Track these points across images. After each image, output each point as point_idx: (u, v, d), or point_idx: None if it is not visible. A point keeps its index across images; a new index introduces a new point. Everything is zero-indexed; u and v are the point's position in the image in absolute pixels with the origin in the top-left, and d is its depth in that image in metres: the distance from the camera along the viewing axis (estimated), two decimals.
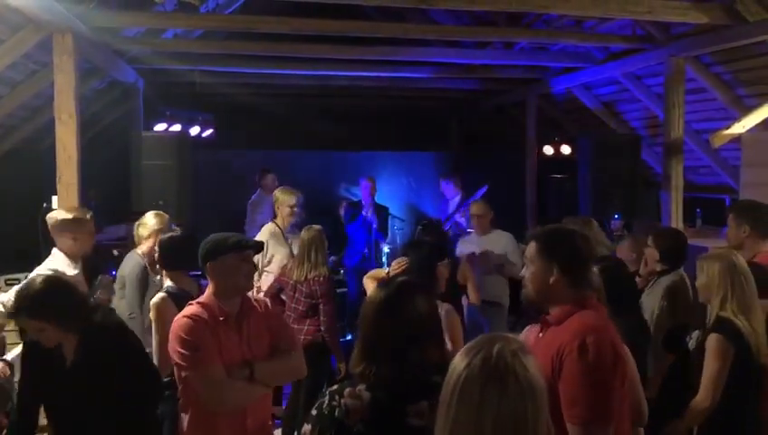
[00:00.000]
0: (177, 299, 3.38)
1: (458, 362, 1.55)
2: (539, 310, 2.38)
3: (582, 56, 7.54)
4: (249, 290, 2.95)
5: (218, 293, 2.76)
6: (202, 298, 2.82)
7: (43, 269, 3.69)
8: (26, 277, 5.35)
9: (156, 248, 3.69)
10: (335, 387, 2.02)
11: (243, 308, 2.80)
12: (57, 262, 3.73)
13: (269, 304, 3.01)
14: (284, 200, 5.44)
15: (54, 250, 3.81)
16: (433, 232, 5.29)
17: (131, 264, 4.25)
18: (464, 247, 5.73)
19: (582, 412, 2.06)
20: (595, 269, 2.55)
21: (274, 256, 5.35)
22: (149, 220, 4.38)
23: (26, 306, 2.66)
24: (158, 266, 3.73)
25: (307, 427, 1.99)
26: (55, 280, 2.83)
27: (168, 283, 3.74)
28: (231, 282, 2.76)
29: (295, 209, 5.43)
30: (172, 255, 3.58)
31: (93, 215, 3.96)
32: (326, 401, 1.98)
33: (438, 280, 3.53)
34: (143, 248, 4.33)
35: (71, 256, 3.79)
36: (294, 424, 4.71)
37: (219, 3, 7.14)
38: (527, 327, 2.64)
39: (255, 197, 8.01)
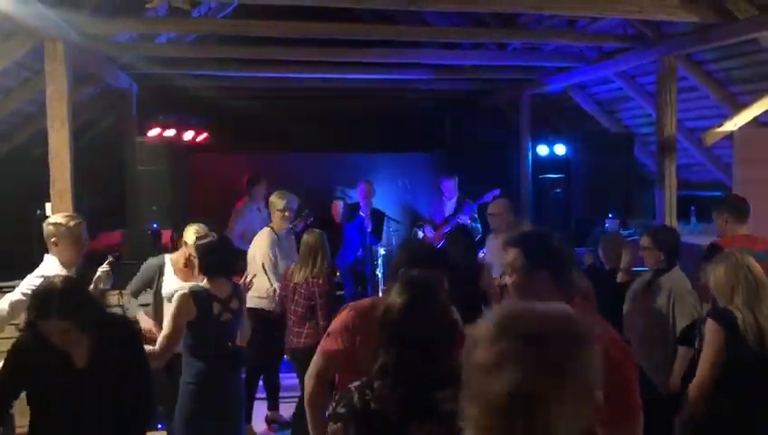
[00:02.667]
0: (199, 299, 3.56)
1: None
2: None
3: (575, 56, 7.56)
4: None
5: None
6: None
7: (33, 276, 3.67)
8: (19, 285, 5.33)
9: (194, 254, 3.80)
10: (358, 383, 2.05)
11: None
12: (48, 268, 3.69)
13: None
14: (274, 203, 5.44)
15: (46, 256, 3.78)
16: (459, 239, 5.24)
17: (150, 260, 4.60)
18: (493, 251, 5.72)
19: (619, 414, 1.96)
20: None
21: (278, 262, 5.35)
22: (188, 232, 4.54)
23: (57, 307, 2.55)
24: (196, 272, 3.81)
25: (335, 426, 2.01)
26: (72, 279, 2.80)
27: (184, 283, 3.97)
28: None
29: (286, 213, 5.40)
30: (210, 260, 3.68)
31: (83, 221, 3.90)
32: (355, 397, 2.01)
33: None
34: (174, 254, 4.62)
35: (62, 262, 3.75)
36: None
37: (212, 7, 7.13)
38: None
39: (242, 206, 7.26)
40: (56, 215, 4.06)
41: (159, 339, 3.54)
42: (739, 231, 4.40)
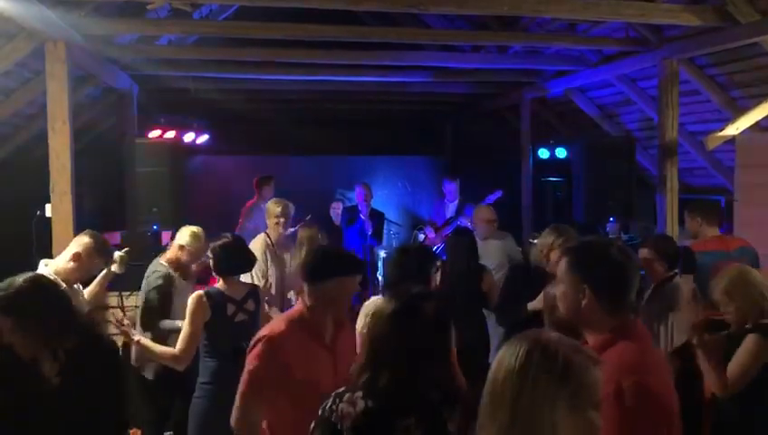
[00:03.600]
0: (213, 300, 3.56)
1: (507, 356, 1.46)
2: (571, 331, 2.24)
3: (576, 59, 7.56)
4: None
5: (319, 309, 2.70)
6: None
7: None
8: None
9: (209, 254, 3.75)
10: (341, 389, 2.04)
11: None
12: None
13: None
14: (271, 211, 5.33)
15: (41, 264, 3.66)
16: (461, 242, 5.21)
17: (154, 276, 4.26)
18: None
19: None
20: None
21: (269, 271, 5.28)
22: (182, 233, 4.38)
23: (2, 302, 2.38)
24: (214, 272, 3.77)
25: (313, 424, 2.03)
26: (40, 279, 2.59)
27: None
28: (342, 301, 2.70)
29: (281, 220, 5.26)
30: (225, 260, 3.67)
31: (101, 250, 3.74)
32: (329, 403, 2.01)
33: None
34: (168, 257, 4.38)
35: (65, 277, 3.59)
36: None
37: (213, 9, 7.14)
38: None
39: (251, 205, 7.60)
40: (100, 236, 3.81)
41: (179, 342, 3.54)
42: (710, 233, 4.70)
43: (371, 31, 6.89)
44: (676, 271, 4.05)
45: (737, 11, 5.12)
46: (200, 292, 3.63)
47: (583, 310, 1.99)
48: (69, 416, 2.43)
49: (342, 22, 6.25)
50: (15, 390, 2.44)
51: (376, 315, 2.07)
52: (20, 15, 4.34)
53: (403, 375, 1.95)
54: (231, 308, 3.62)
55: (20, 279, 2.51)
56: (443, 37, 7.40)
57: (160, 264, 4.33)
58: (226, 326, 3.60)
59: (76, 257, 3.61)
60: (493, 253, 5.59)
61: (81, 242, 3.67)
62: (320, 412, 2.03)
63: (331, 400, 2.02)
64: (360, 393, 1.98)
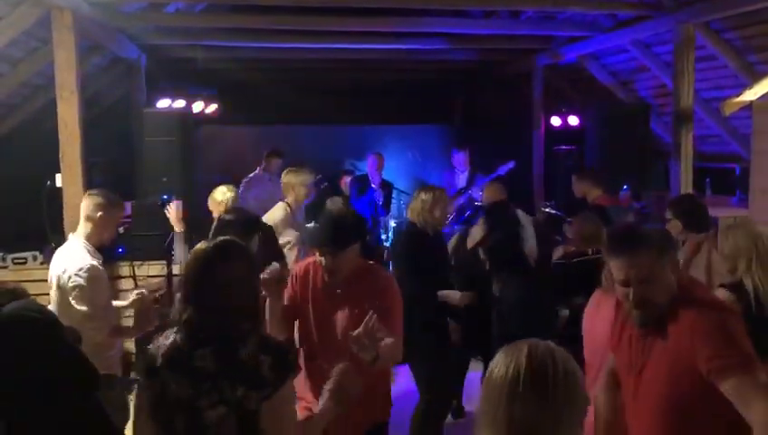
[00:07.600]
0: None
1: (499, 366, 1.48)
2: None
3: (590, 24, 7.41)
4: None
5: None
6: None
7: (75, 263, 3.47)
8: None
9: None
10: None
11: None
12: (80, 250, 3.53)
13: None
14: (303, 180, 5.22)
15: (71, 236, 3.63)
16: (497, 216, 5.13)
17: None
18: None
19: (732, 363, 2.06)
20: None
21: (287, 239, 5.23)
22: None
23: None
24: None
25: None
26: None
27: None
28: None
29: (311, 189, 5.27)
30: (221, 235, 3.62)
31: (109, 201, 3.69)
32: (154, 342, 2.17)
33: None
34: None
35: (95, 240, 3.59)
36: None
37: None
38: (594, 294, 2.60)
39: (254, 175, 7.39)
40: (101, 190, 3.77)
41: None
42: (596, 193, 5.77)
43: None
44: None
45: None
46: None
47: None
48: None
49: None
50: None
51: (192, 257, 2.22)
52: None
53: (206, 310, 2.09)
54: None
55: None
56: (453, 2, 7.25)
57: None
58: None
59: (89, 219, 3.59)
60: None
61: (87, 204, 3.64)
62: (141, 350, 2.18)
63: (157, 339, 2.18)
64: (173, 329, 2.14)
